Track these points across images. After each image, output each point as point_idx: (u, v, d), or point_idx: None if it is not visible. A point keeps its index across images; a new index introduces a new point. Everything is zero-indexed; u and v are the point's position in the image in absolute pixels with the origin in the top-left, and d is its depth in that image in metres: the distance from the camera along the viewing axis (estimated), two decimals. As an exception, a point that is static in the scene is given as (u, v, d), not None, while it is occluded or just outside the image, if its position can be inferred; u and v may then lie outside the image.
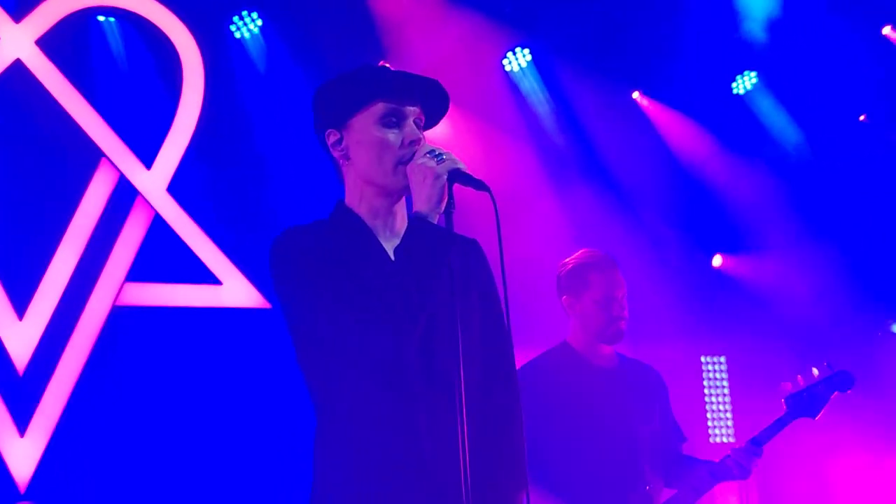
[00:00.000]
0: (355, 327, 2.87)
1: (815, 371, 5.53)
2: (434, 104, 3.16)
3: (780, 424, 5.36)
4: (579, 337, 5.19)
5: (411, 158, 3.00)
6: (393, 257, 3.02)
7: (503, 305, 3.05)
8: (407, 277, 2.87)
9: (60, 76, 6.93)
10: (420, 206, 2.91)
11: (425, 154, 2.95)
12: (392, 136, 3.05)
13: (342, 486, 2.95)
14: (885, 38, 8.64)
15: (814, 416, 5.45)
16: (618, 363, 5.28)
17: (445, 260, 2.88)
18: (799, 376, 5.51)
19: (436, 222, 2.91)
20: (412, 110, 3.09)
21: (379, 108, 3.06)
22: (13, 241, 6.77)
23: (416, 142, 3.04)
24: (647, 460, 5.12)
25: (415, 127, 3.07)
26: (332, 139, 3.13)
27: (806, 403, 5.42)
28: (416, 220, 2.91)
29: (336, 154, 3.14)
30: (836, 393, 5.44)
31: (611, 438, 5.02)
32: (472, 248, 3.23)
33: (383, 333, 2.88)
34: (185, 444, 6.87)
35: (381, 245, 3.08)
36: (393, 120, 3.06)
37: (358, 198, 3.13)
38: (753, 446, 5.26)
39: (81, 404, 6.70)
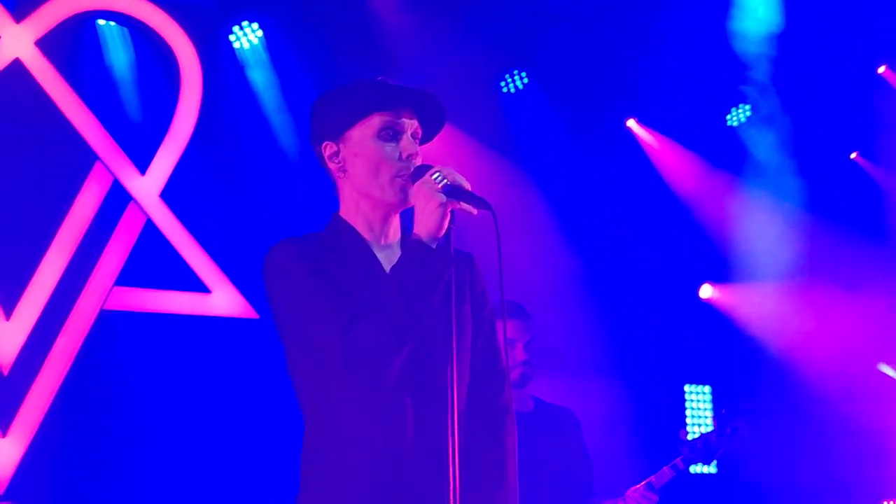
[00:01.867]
0: (345, 341, 2.87)
1: (712, 420, 5.85)
2: (431, 118, 3.16)
3: (675, 469, 5.66)
4: None
5: (414, 172, 3.01)
6: (388, 270, 3.02)
7: (499, 321, 3.06)
8: (400, 297, 2.87)
9: (59, 78, 6.93)
10: (419, 230, 2.91)
11: (433, 177, 2.94)
12: (389, 149, 3.05)
13: (329, 499, 2.96)
14: (881, 77, 8.70)
15: (708, 462, 5.80)
16: (532, 407, 5.38)
17: (439, 284, 2.89)
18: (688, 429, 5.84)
19: (434, 246, 2.91)
20: (410, 124, 3.09)
21: (376, 121, 3.06)
22: (3, 241, 6.76)
23: (413, 155, 3.05)
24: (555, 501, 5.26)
25: (412, 140, 3.08)
26: (328, 151, 3.13)
27: (701, 451, 5.73)
28: (413, 243, 2.91)
29: (332, 166, 3.14)
30: (728, 444, 5.78)
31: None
32: (467, 262, 3.22)
33: (371, 352, 2.88)
34: (167, 450, 6.86)
35: (376, 258, 3.08)
36: (390, 133, 3.06)
37: (354, 210, 3.13)
38: (648, 490, 5.57)
39: (65, 406, 6.68)
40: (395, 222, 3.16)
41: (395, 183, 3.04)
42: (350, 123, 3.09)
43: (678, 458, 5.74)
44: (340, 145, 3.12)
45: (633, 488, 5.65)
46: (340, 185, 3.17)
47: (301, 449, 3.06)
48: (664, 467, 5.70)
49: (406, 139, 3.07)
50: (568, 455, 5.44)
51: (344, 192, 3.16)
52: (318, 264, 3.00)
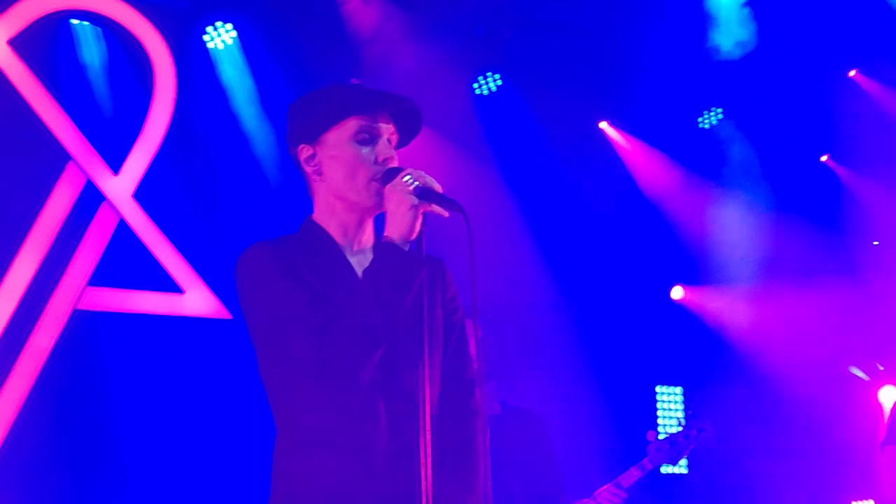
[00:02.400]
0: (318, 344, 2.87)
1: (679, 421, 6.03)
2: (408, 123, 3.16)
3: (642, 468, 5.85)
4: None
5: (384, 175, 3.01)
6: (360, 274, 3.02)
7: (471, 325, 3.07)
8: (371, 301, 2.88)
9: (32, 77, 6.91)
10: (391, 233, 2.91)
11: (405, 179, 2.94)
12: (365, 152, 3.05)
13: (298, 502, 2.97)
14: (851, 80, 8.77)
15: (675, 462, 6.03)
16: (500, 411, 5.43)
17: (412, 286, 2.89)
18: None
19: (406, 248, 2.91)
20: (386, 128, 3.09)
21: (352, 124, 3.06)
22: (-25, 241, 6.75)
23: (389, 159, 3.05)
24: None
25: (388, 144, 3.08)
26: (304, 154, 3.12)
27: (668, 451, 5.94)
28: (385, 245, 2.92)
29: (308, 169, 3.13)
30: (694, 445, 6.01)
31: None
32: (438, 267, 3.22)
33: (343, 354, 2.88)
34: (141, 450, 6.86)
35: (348, 262, 3.08)
36: (366, 136, 3.06)
37: (328, 214, 3.13)
38: (616, 488, 5.72)
39: (38, 406, 6.66)
40: (370, 227, 3.15)
41: (371, 186, 3.04)
42: (326, 126, 3.09)
43: (645, 459, 5.89)
44: (316, 148, 3.11)
45: (601, 488, 5.75)
46: (315, 189, 3.16)
47: (273, 450, 3.06)
48: (631, 468, 5.84)
49: (382, 143, 3.07)
50: (535, 457, 5.49)
51: (318, 195, 3.15)
52: (291, 267, 2.99)
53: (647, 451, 5.94)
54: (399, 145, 3.16)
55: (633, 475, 5.80)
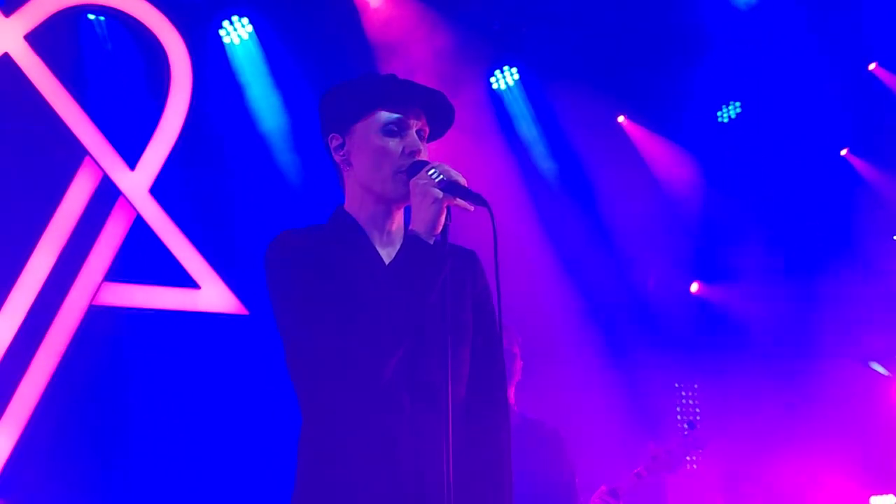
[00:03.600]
0: (339, 338, 2.87)
1: (686, 430, 6.14)
2: (438, 116, 3.16)
3: (638, 477, 5.98)
4: None
5: (410, 168, 3.00)
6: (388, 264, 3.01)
7: (497, 318, 3.05)
8: (397, 293, 2.87)
9: (48, 72, 6.91)
10: (417, 226, 2.91)
11: (430, 173, 2.93)
12: (393, 144, 3.05)
13: (323, 493, 2.95)
14: (871, 74, 8.71)
15: (671, 472, 6.15)
16: (517, 423, 5.42)
17: (436, 280, 2.88)
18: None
19: (432, 242, 2.90)
20: (416, 121, 3.09)
21: (382, 115, 3.07)
22: (-7, 235, 6.75)
23: (416, 152, 3.05)
24: None
25: (416, 137, 3.08)
26: (334, 143, 3.15)
27: (664, 461, 6.07)
28: (410, 239, 2.92)
29: (338, 159, 3.15)
30: (690, 454, 6.25)
31: None
32: (470, 259, 3.23)
33: (367, 347, 2.87)
34: (157, 444, 6.86)
35: (377, 254, 3.08)
36: (395, 129, 3.06)
37: (357, 204, 3.13)
38: (610, 497, 5.82)
39: (54, 402, 6.66)
40: (399, 218, 3.15)
41: (397, 178, 3.04)
42: (357, 117, 3.11)
43: (641, 467, 6.01)
44: (346, 138, 3.13)
45: (595, 494, 5.82)
46: (346, 178, 3.17)
47: (298, 438, 3.05)
48: (627, 476, 5.97)
49: (410, 136, 3.08)
50: (547, 470, 5.48)
51: (348, 185, 3.17)
52: (320, 256, 2.99)
53: (644, 459, 6.07)
54: (431, 138, 3.16)
55: (628, 483, 5.92)
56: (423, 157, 3.06)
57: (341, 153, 3.13)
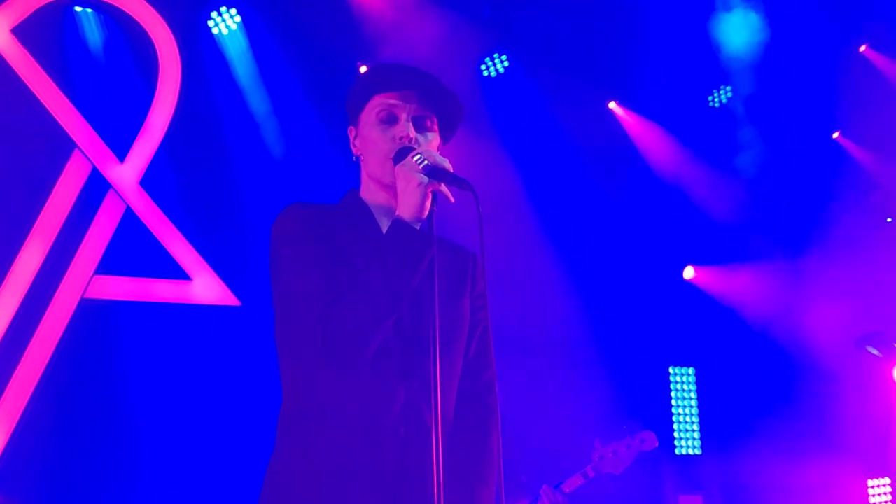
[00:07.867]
0: (322, 318, 2.86)
1: (626, 432, 6.40)
2: (437, 101, 3.13)
3: (584, 476, 6.13)
4: None
5: (397, 154, 3.00)
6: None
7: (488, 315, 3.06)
8: (379, 276, 2.87)
9: (36, 65, 6.90)
10: (402, 211, 2.91)
11: (415, 158, 2.93)
12: (385, 131, 3.06)
13: (300, 461, 2.94)
14: (862, 55, 8.70)
15: (617, 472, 6.25)
16: None
17: (419, 265, 2.88)
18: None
19: (418, 227, 2.90)
20: (408, 106, 3.07)
21: (377, 103, 3.09)
22: (-18, 230, 6.73)
23: (404, 138, 3.03)
24: None
25: (409, 124, 3.06)
26: (351, 136, 3.19)
27: (610, 460, 6.22)
28: (394, 224, 2.91)
29: (354, 150, 3.18)
30: (637, 454, 6.29)
31: None
32: (470, 260, 3.24)
33: (348, 329, 2.86)
34: (150, 436, 6.85)
35: (381, 233, 3.05)
36: (389, 115, 3.07)
37: (367, 193, 3.16)
38: (557, 493, 5.99)
39: (46, 396, 6.66)
40: None
41: (387, 164, 3.04)
42: (360, 107, 3.14)
43: (588, 466, 6.15)
44: (356, 129, 3.17)
45: (545, 486, 5.90)
46: (361, 168, 3.19)
47: (277, 417, 3.04)
48: (574, 474, 6.09)
49: (401, 122, 3.07)
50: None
51: (362, 174, 3.19)
52: (322, 234, 3.01)
53: (591, 458, 6.18)
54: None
55: (575, 482, 6.04)
56: (425, 145, 3.04)
57: (355, 144, 3.17)
